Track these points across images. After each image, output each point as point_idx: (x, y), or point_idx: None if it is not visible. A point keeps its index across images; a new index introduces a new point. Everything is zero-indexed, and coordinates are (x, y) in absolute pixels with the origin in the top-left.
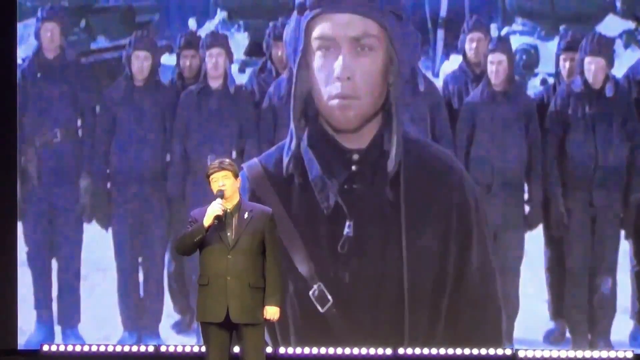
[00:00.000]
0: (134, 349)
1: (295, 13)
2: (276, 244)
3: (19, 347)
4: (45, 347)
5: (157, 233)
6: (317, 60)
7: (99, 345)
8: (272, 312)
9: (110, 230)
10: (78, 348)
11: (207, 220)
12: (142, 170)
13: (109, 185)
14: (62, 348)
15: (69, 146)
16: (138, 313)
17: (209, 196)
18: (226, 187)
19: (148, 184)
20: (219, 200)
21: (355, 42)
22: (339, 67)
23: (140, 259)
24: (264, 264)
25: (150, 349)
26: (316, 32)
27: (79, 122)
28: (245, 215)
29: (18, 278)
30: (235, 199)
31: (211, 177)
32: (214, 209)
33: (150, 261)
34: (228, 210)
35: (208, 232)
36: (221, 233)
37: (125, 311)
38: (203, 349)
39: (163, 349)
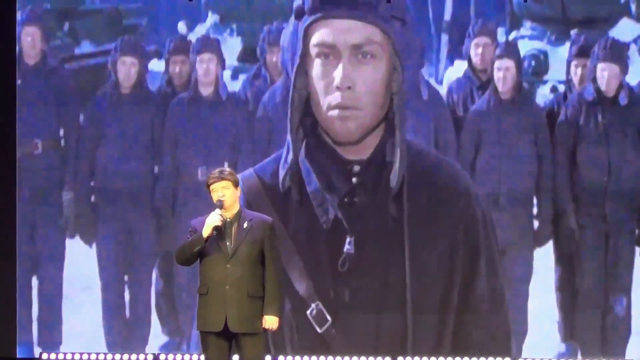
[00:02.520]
0: (133, 357)
1: (293, 18)
2: (276, 254)
3: (18, 355)
4: (44, 356)
5: (144, 249)
6: (316, 68)
7: (97, 354)
8: (271, 321)
9: (94, 246)
10: (77, 357)
11: (206, 231)
12: (128, 183)
13: (93, 198)
14: (60, 357)
15: (51, 157)
16: (124, 334)
17: (199, 210)
18: (226, 198)
19: (135, 197)
20: (217, 210)
21: (357, 50)
22: (339, 76)
23: (126, 277)
24: (263, 274)
25: (150, 357)
26: (315, 38)
27: (62, 132)
28: (245, 225)
29: (17, 287)
30: (235, 208)
31: (211, 187)
32: (213, 220)
33: (137, 279)
34: (228, 220)
35: (208, 242)
36: (220, 242)
37: (111, 332)
38: (202, 357)
39: (162, 357)
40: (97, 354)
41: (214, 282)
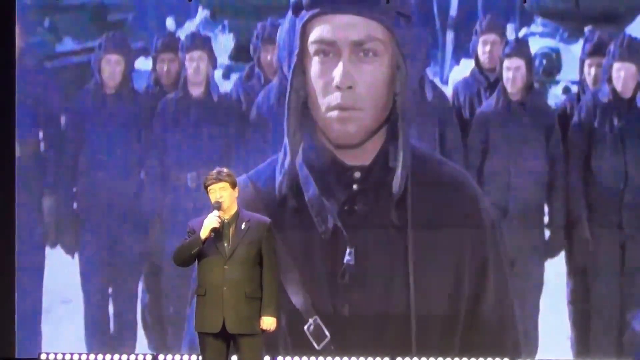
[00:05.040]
0: (132, 357)
1: (290, 13)
2: (273, 254)
3: (16, 356)
4: (43, 356)
5: (130, 260)
6: (315, 66)
7: (96, 355)
8: (268, 322)
9: (76, 256)
10: (76, 357)
11: (204, 233)
12: (113, 189)
13: (75, 205)
14: (59, 357)
15: (30, 162)
16: (108, 351)
17: (189, 218)
18: (223, 199)
19: (120, 204)
20: (215, 212)
21: (358, 47)
22: (339, 75)
23: (110, 289)
24: (261, 274)
25: (148, 357)
26: (314, 35)
27: (41, 135)
28: (243, 226)
29: (16, 287)
30: (233, 209)
31: (209, 188)
32: (210, 221)
33: (122, 292)
34: (225, 221)
35: (205, 243)
36: (218, 244)
37: (93, 349)
38: (200, 359)
39: (161, 357)
40: (96, 354)
41: (211, 283)
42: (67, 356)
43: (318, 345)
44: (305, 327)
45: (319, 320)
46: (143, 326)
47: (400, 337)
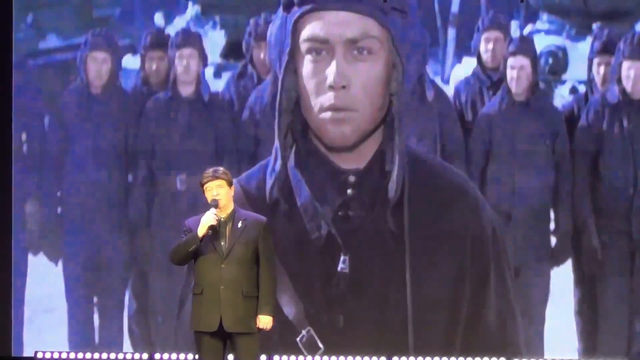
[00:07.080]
0: (128, 357)
1: (280, 10)
2: (270, 253)
3: (13, 354)
4: (39, 355)
5: (116, 267)
6: (307, 65)
7: (92, 353)
8: (265, 321)
9: (60, 263)
10: (72, 355)
11: (201, 230)
12: (99, 193)
13: (59, 210)
14: (55, 355)
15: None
16: None
17: (178, 223)
18: (220, 197)
19: (106, 209)
20: (213, 210)
21: (352, 45)
22: (333, 74)
23: (95, 299)
24: (258, 273)
25: (145, 356)
26: (305, 32)
27: (24, 137)
28: (239, 224)
29: (13, 284)
30: (230, 207)
31: (205, 186)
32: (208, 219)
33: (108, 301)
34: (222, 219)
35: (202, 242)
36: (215, 242)
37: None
38: (197, 357)
39: (157, 356)
40: (92, 352)
41: (208, 282)
42: (64, 354)
43: (311, 357)
44: (298, 339)
45: (312, 332)
46: (129, 337)
47: (398, 348)
